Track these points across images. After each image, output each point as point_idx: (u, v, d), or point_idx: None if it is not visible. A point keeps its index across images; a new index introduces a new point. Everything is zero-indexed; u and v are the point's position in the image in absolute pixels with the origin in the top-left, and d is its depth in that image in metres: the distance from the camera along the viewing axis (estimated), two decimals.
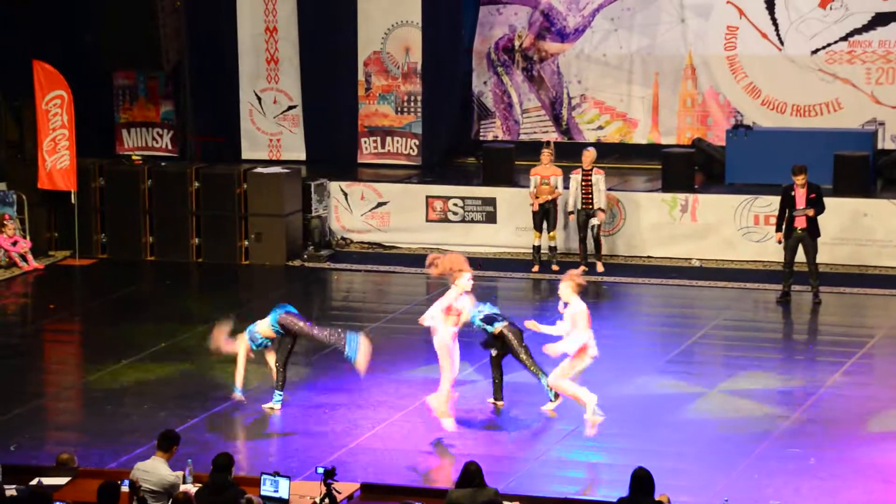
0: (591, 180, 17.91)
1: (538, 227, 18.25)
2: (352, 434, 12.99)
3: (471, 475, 9.85)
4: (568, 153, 18.86)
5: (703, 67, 20.40)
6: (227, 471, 9.84)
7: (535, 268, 18.29)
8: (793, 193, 16.62)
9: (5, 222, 18.92)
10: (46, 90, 19.12)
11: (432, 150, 20.82)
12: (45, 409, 13.94)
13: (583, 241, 18.15)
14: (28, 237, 19.28)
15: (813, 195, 16.58)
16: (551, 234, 18.26)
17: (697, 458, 12.28)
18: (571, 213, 18.12)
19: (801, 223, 16.60)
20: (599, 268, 18.03)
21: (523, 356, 13.25)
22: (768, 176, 18.58)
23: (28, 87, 19.23)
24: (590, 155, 17.99)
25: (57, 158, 19.17)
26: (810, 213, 16.54)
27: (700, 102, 20.49)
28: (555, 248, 18.34)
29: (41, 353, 16.12)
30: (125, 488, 10.00)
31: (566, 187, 18.20)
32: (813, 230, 16.65)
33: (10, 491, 10.07)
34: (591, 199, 17.94)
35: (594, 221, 17.98)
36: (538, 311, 16.98)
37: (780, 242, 16.87)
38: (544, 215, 18.21)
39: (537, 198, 18.08)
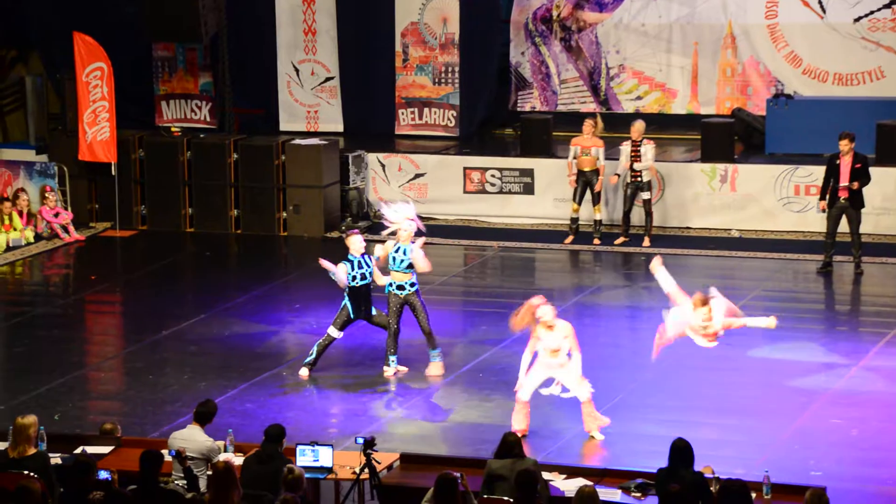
0: (640, 151, 17.78)
1: (577, 199, 18.13)
2: (390, 405, 13.01)
3: (509, 445, 9.85)
4: (606, 123, 18.74)
5: (743, 37, 20.23)
6: (278, 441, 9.91)
7: (569, 239, 18.18)
8: (837, 162, 16.45)
9: (47, 194, 19.02)
10: (87, 62, 19.18)
11: (470, 121, 20.76)
12: (88, 379, 14.03)
13: (626, 213, 18.04)
14: (69, 209, 19.37)
15: (858, 165, 16.41)
16: (597, 206, 18.13)
17: (738, 430, 12.24)
18: (626, 183, 17.98)
19: (844, 193, 16.46)
20: (646, 242, 17.90)
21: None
22: (809, 146, 18.43)
23: (69, 60, 19.29)
24: (639, 126, 17.85)
25: (97, 130, 19.24)
26: (854, 186, 16.37)
27: (740, 72, 20.32)
28: (600, 221, 18.17)
29: (83, 324, 16.22)
30: (168, 457, 10.06)
31: (609, 159, 18.08)
32: (857, 201, 16.50)
33: (55, 459, 10.16)
34: (641, 171, 17.80)
35: (644, 196, 17.83)
36: (576, 283, 17.01)
37: (823, 211, 16.73)
38: (585, 186, 18.10)
39: (574, 172, 17.95)
